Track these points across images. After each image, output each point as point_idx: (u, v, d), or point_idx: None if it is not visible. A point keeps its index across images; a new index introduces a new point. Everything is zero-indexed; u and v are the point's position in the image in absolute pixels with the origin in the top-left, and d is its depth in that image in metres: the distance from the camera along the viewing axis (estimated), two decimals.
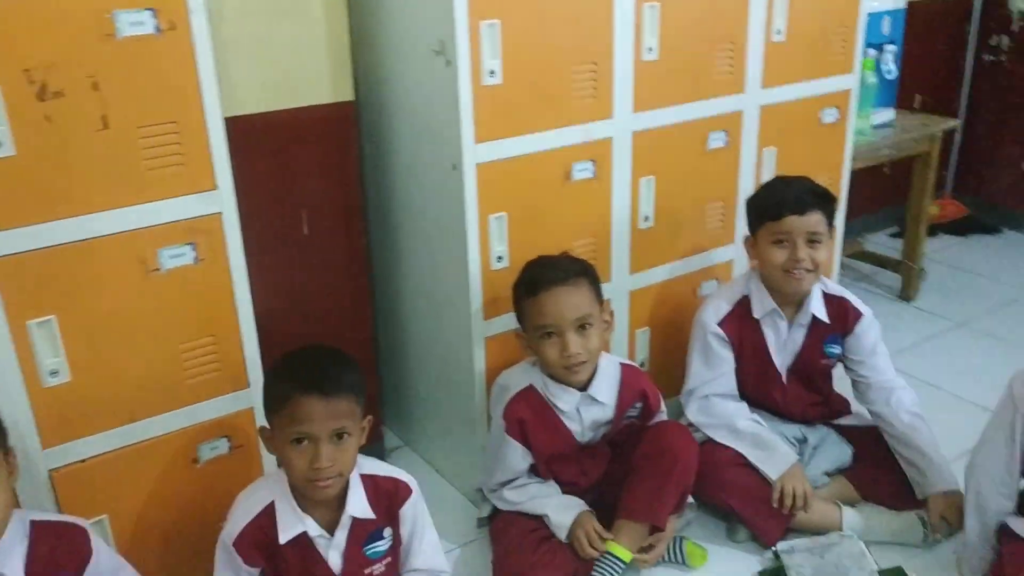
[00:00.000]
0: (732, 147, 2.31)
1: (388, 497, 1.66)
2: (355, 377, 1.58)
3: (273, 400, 1.55)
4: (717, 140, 2.28)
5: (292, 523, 1.57)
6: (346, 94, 2.08)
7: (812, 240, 2.02)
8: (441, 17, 1.79)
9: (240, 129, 1.84)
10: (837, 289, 2.19)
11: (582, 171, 2.05)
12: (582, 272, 1.91)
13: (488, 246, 1.97)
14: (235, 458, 1.80)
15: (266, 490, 1.60)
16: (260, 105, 1.96)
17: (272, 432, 1.56)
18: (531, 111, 1.93)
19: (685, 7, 2.09)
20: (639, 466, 1.95)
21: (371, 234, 2.31)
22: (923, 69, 3.70)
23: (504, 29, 1.83)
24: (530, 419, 1.93)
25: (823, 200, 2.04)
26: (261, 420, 1.67)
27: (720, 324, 2.13)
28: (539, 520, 1.94)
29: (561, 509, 1.93)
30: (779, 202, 2.03)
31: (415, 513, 1.71)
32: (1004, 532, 1.85)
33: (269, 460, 1.82)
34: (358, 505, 1.62)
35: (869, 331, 2.15)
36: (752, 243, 2.12)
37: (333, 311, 2.22)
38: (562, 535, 1.91)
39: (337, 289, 2.22)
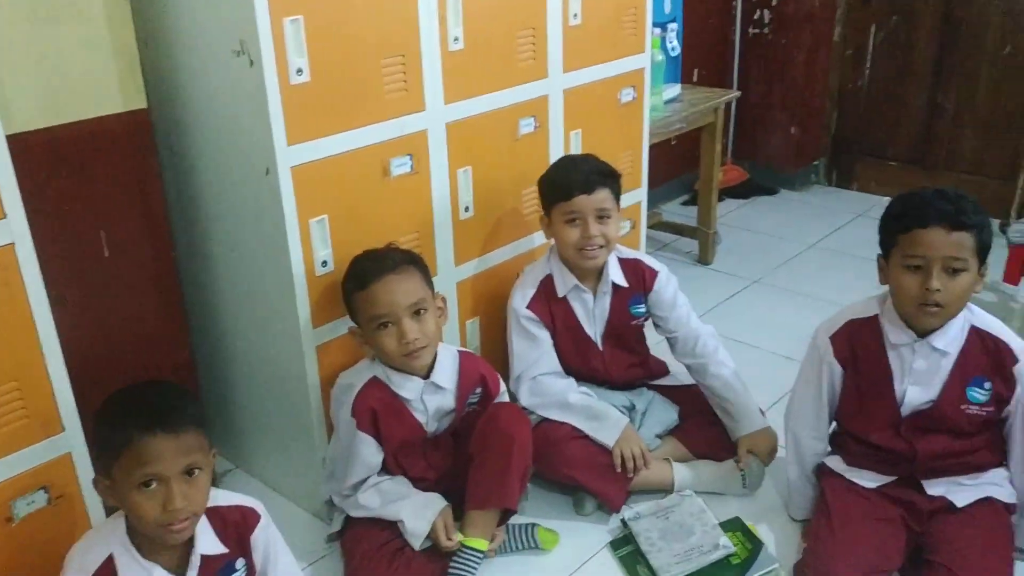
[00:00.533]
0: (541, 132, 2.35)
1: (237, 527, 1.57)
2: (197, 408, 1.47)
3: (110, 446, 1.40)
4: (527, 126, 2.30)
5: (137, 575, 1.45)
6: (138, 101, 1.93)
7: (601, 216, 2.10)
8: (240, 15, 1.69)
9: (23, 148, 1.66)
10: (630, 253, 2.30)
11: (400, 166, 2.02)
12: (410, 260, 1.91)
13: (311, 251, 1.90)
14: (56, 511, 1.64)
15: (101, 543, 1.46)
16: (43, 120, 1.79)
17: (112, 481, 1.42)
18: (343, 108, 1.87)
19: None
20: (478, 453, 1.96)
21: (179, 249, 2.17)
22: (699, 45, 3.92)
23: (308, 25, 1.75)
24: (379, 408, 1.90)
25: (609, 177, 2.13)
26: (83, 465, 1.53)
27: (529, 307, 2.19)
28: (392, 530, 1.91)
29: (417, 514, 1.91)
30: (568, 183, 2.10)
31: (267, 538, 1.63)
32: (822, 470, 2.02)
33: (96, 509, 1.67)
34: (207, 542, 1.51)
35: (667, 286, 2.26)
36: (547, 223, 2.18)
37: (146, 335, 2.08)
38: (416, 544, 1.89)
39: (148, 311, 2.07)
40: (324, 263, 1.93)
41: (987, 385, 1.81)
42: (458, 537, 1.90)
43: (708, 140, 3.35)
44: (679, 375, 2.38)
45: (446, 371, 1.97)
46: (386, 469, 1.98)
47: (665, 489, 2.16)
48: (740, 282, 3.37)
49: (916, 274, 1.74)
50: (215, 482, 1.56)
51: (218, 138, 1.91)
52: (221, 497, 1.60)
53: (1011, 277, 2.72)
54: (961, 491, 1.86)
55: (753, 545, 1.94)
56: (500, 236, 2.34)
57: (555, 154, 2.40)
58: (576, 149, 2.46)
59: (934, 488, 1.87)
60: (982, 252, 1.73)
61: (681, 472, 2.18)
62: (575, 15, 2.34)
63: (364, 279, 1.85)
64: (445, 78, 2.05)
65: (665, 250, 3.66)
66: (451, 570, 1.87)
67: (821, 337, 1.94)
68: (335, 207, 1.91)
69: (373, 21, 1.87)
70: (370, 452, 1.92)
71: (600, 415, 2.15)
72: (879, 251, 1.85)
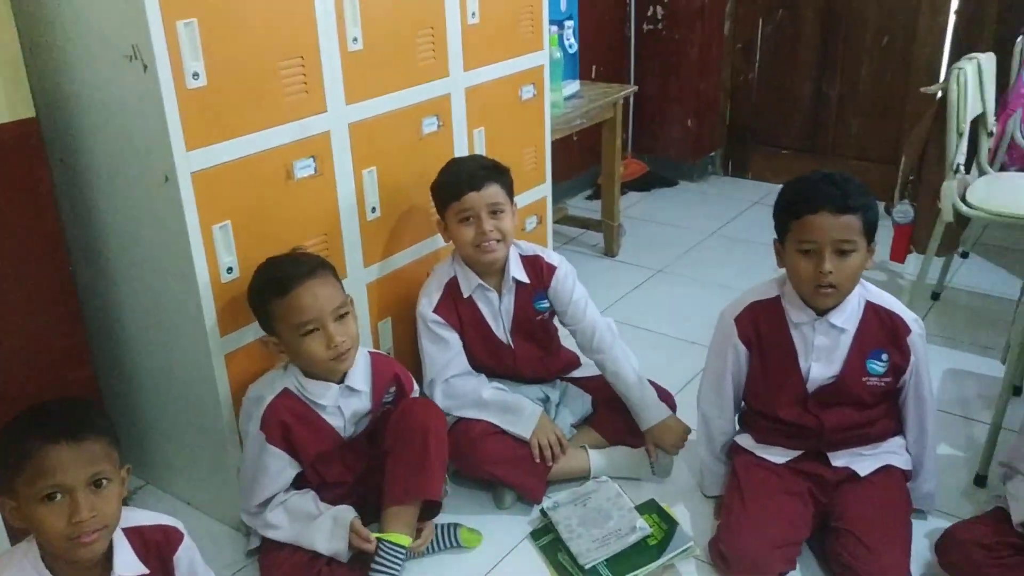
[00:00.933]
0: (445, 130, 2.36)
1: (158, 547, 1.53)
2: (104, 420, 1.43)
3: (11, 461, 1.35)
4: (431, 125, 2.31)
5: None
6: (25, 110, 1.86)
7: (494, 211, 2.12)
8: (131, 19, 1.65)
9: None
10: (530, 248, 2.31)
11: (304, 168, 2.00)
12: (323, 264, 1.90)
13: (215, 258, 1.87)
14: None
15: (12, 570, 1.40)
16: None
17: (16, 500, 1.37)
18: (243, 111, 1.84)
19: None
20: (393, 448, 1.95)
21: (76, 261, 2.10)
22: (596, 42, 3.99)
23: (203, 28, 1.72)
24: (292, 422, 1.88)
25: (496, 172, 2.15)
26: None
27: (436, 311, 2.19)
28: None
29: (331, 536, 1.88)
30: (456, 182, 2.12)
31: (190, 558, 1.60)
32: (733, 447, 2.09)
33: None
34: (127, 563, 1.47)
35: (564, 281, 2.28)
36: (443, 227, 2.19)
37: (43, 352, 2.00)
38: (343, 559, 1.88)
39: (44, 327, 1.99)
40: (229, 270, 1.90)
41: (884, 357, 1.91)
42: (375, 535, 1.89)
43: (608, 135, 3.41)
44: (591, 364, 2.42)
45: (360, 373, 1.96)
46: (300, 475, 1.96)
47: (582, 477, 2.20)
48: (645, 272, 3.45)
49: (809, 258, 1.82)
50: (126, 500, 1.52)
51: (113, 146, 1.86)
52: (141, 516, 1.57)
53: (897, 255, 2.86)
54: (863, 461, 1.96)
55: (668, 525, 2.00)
56: (408, 235, 2.35)
57: (459, 152, 2.41)
58: (480, 147, 2.48)
59: (838, 460, 1.96)
60: (869, 232, 1.83)
61: (597, 459, 2.23)
62: (473, 14, 2.36)
63: (284, 285, 1.82)
64: (346, 78, 2.05)
65: (572, 244, 3.72)
66: (373, 567, 1.86)
67: (726, 320, 2.01)
68: (239, 212, 1.89)
69: (270, 23, 1.85)
70: (280, 467, 1.90)
71: (514, 408, 2.17)
72: (775, 236, 1.93)
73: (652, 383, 2.28)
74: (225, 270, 1.89)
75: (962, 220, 2.73)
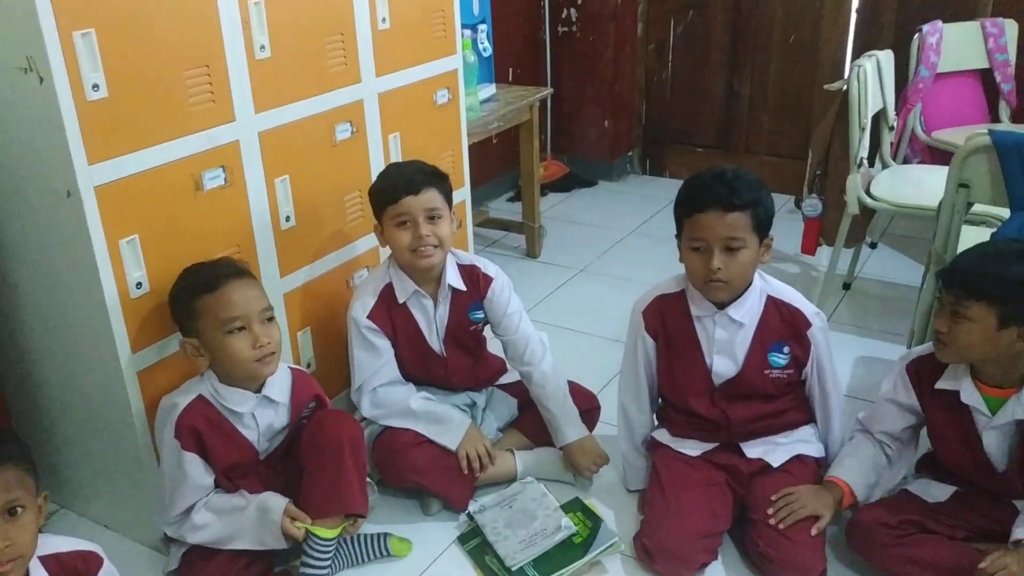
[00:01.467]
0: (359, 137, 2.35)
1: (77, 574, 1.49)
2: (18, 445, 1.39)
3: None
4: (344, 132, 2.29)
5: None
6: None
7: (432, 217, 2.10)
8: (25, 30, 1.60)
9: None
10: (468, 258, 2.31)
11: (213, 179, 1.96)
12: (247, 270, 1.89)
13: (124, 273, 1.82)
14: None
15: None
16: None
17: None
18: (148, 122, 1.80)
19: (290, 2, 2.07)
20: (309, 464, 1.92)
21: None
22: (511, 44, 4.01)
23: (102, 38, 1.68)
24: (204, 428, 1.84)
25: (435, 177, 2.14)
26: None
27: (370, 316, 2.17)
28: (231, 551, 1.86)
29: (256, 526, 1.85)
30: (394, 186, 2.10)
31: None
32: (652, 442, 2.13)
33: None
34: None
35: (501, 293, 2.28)
36: (380, 231, 2.18)
37: None
38: (278, 546, 1.86)
39: None
40: (139, 285, 1.85)
41: (786, 350, 1.96)
42: (306, 529, 1.86)
43: (526, 137, 3.43)
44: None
45: (279, 385, 1.94)
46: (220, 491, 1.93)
47: (510, 479, 2.21)
48: (567, 272, 3.48)
49: (700, 254, 1.87)
50: (41, 527, 1.47)
51: (13, 161, 1.80)
52: (58, 542, 1.53)
53: (808, 248, 2.94)
54: (776, 451, 2.01)
55: (593, 523, 2.02)
56: (326, 244, 2.32)
57: (375, 159, 2.40)
58: (396, 153, 2.47)
59: (752, 450, 2.01)
60: (761, 227, 1.86)
61: (524, 460, 2.24)
62: (383, 19, 2.35)
63: (214, 282, 1.80)
64: (254, 87, 2.02)
65: (494, 246, 3.73)
66: (302, 562, 1.86)
67: (635, 313, 2.05)
68: (146, 226, 1.84)
69: (173, 32, 1.82)
70: (199, 473, 1.86)
71: (442, 419, 2.17)
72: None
73: (574, 384, 2.31)
74: (134, 285, 1.85)
75: (868, 212, 2.83)
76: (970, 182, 2.02)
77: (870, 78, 2.69)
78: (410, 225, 2.10)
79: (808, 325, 1.96)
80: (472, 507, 2.12)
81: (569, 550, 1.96)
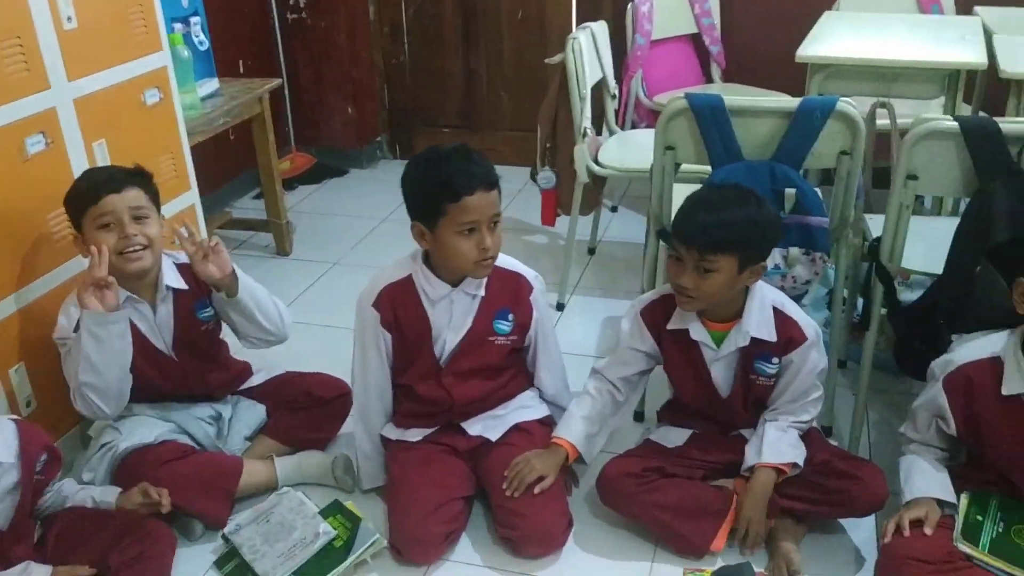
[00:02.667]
0: (56, 148, 2.15)
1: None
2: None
3: None
4: (36, 144, 2.09)
5: None
6: None
7: (138, 216, 1.98)
8: None
9: None
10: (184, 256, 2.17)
11: None
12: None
13: None
14: None
15: None
16: None
17: None
18: None
19: None
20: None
21: None
22: (237, 35, 3.83)
23: None
24: None
25: (138, 176, 2.03)
26: None
27: (77, 329, 1.99)
28: None
29: None
30: (94, 185, 1.98)
31: None
32: (383, 440, 2.13)
33: None
34: None
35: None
36: (82, 240, 2.01)
37: None
38: None
39: None
40: None
41: (510, 316, 2.01)
42: None
43: (259, 131, 3.29)
44: (261, 372, 2.34)
45: (3, 442, 1.72)
46: None
47: (271, 487, 2.13)
48: (320, 267, 3.39)
49: (471, 236, 1.86)
50: None
51: None
52: None
53: (547, 219, 3.03)
54: (496, 425, 2.06)
55: (353, 524, 1.98)
56: (35, 268, 2.12)
57: (78, 169, 2.20)
58: (103, 160, 2.28)
59: (473, 427, 2.06)
60: None
61: (283, 466, 2.16)
62: (68, 18, 2.15)
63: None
64: None
65: (243, 248, 3.57)
66: None
67: (364, 309, 2.01)
68: None
69: None
70: None
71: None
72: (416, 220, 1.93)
73: (322, 375, 2.28)
74: None
75: (599, 179, 2.94)
76: (675, 144, 2.13)
77: (585, 50, 2.79)
78: (115, 226, 1.95)
79: (530, 290, 2.02)
80: (228, 527, 2.01)
81: (330, 556, 1.91)
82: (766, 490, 1.89)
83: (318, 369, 2.33)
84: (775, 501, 1.92)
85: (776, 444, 1.92)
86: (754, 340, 1.92)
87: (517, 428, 2.07)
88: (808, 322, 1.96)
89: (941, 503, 1.84)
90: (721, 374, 1.97)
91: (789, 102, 2.04)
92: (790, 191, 2.04)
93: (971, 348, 1.86)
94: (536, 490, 1.93)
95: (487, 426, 2.06)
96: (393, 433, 2.10)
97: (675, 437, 2.07)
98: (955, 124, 1.87)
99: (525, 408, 2.11)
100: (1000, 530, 1.80)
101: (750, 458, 1.94)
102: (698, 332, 1.94)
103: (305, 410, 2.23)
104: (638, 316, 2.01)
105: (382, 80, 4.35)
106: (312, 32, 4.16)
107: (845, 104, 2.01)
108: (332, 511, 2.03)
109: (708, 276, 1.82)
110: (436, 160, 1.88)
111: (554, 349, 2.11)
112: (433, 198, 1.85)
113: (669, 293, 1.97)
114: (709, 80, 3.73)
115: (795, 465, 1.91)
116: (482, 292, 1.98)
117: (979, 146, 1.87)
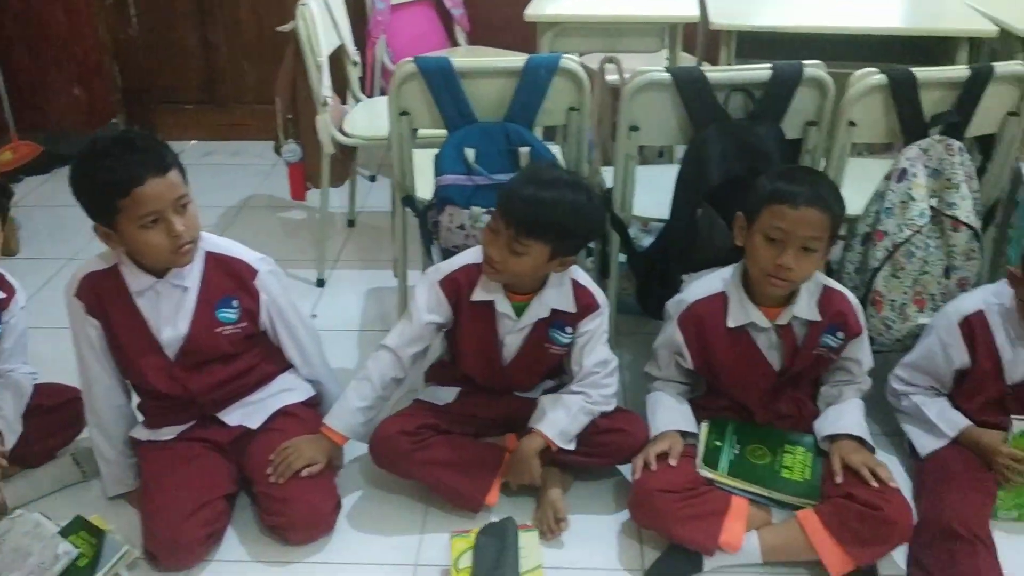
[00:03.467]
0: None
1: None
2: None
3: None
4: None
5: None
6: None
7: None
8: None
9: None
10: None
11: None
12: None
13: None
14: None
15: None
16: None
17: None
18: None
19: None
20: None
21: None
22: None
23: None
24: None
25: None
26: None
27: None
28: None
29: None
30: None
31: None
32: (132, 442, 2.00)
33: None
34: None
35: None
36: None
37: None
38: None
39: None
40: None
41: (235, 303, 1.91)
42: None
43: None
44: None
45: None
46: None
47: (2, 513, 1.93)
48: (52, 265, 3.10)
49: (158, 227, 1.73)
50: None
51: None
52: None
53: (297, 194, 2.92)
54: (256, 412, 1.98)
55: (98, 539, 1.84)
56: None
57: None
58: None
59: (231, 417, 1.96)
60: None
61: (19, 487, 2.00)
62: None
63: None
64: None
65: None
66: None
67: (68, 299, 1.87)
68: None
69: None
70: None
71: None
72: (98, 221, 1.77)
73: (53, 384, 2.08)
74: None
75: (348, 149, 2.87)
76: (409, 109, 2.11)
77: (318, 16, 2.69)
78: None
79: (253, 273, 1.93)
80: None
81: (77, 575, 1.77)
82: (531, 453, 1.91)
83: (56, 376, 2.14)
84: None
85: (556, 420, 1.92)
86: (554, 311, 1.94)
87: (283, 413, 2.00)
88: (598, 289, 2.00)
89: (685, 434, 1.96)
90: (514, 344, 1.98)
91: (515, 61, 2.06)
92: (524, 150, 2.07)
93: (699, 286, 1.98)
94: (304, 473, 1.87)
95: (247, 414, 1.97)
96: (144, 434, 1.96)
97: (444, 395, 2.06)
98: (668, 75, 1.96)
99: (287, 391, 2.04)
100: (737, 452, 1.95)
101: (532, 419, 1.95)
102: (502, 304, 1.93)
103: (33, 420, 2.04)
104: (436, 286, 1.95)
105: (111, 58, 4.02)
106: (26, 10, 3.77)
107: (568, 60, 2.06)
108: (74, 528, 1.86)
109: (517, 257, 1.81)
110: (95, 156, 1.71)
111: (300, 329, 2.03)
112: (102, 197, 1.71)
113: (469, 264, 1.94)
114: (455, 43, 3.73)
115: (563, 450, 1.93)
116: (190, 283, 1.86)
117: (690, 95, 1.97)
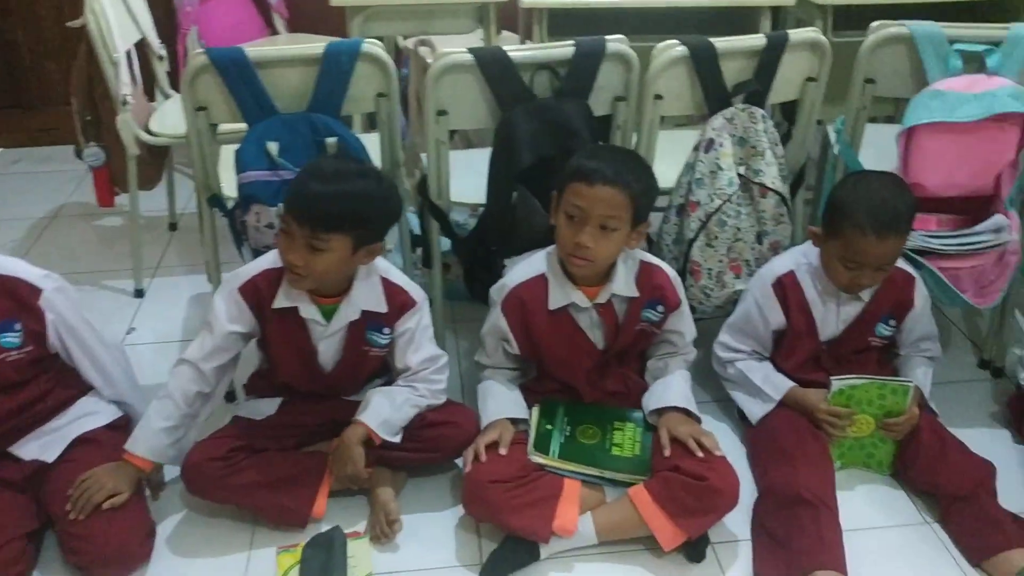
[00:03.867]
0: None
1: None
2: None
3: None
4: None
5: None
6: None
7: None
8: None
9: None
10: None
11: None
12: None
13: None
14: None
15: None
16: None
17: None
18: None
19: None
20: None
21: None
22: None
23: None
24: None
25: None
26: None
27: None
28: None
29: None
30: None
31: None
32: None
33: None
34: None
35: None
36: None
37: None
38: None
39: None
40: None
41: (16, 327, 1.77)
42: None
43: None
44: None
45: None
46: None
47: None
48: None
49: None
50: None
51: None
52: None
53: (104, 200, 2.73)
54: (53, 441, 1.83)
55: None
56: None
57: None
58: None
59: (25, 451, 1.81)
60: None
61: None
62: None
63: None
64: None
65: None
66: None
67: None
68: None
69: None
70: None
71: None
72: None
73: None
74: None
75: (158, 149, 2.70)
76: (207, 103, 1.98)
77: (109, 9, 2.51)
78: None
79: (36, 293, 1.78)
80: None
81: None
82: (352, 442, 1.83)
83: None
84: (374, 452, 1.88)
85: (378, 411, 1.85)
86: (365, 312, 1.86)
87: (83, 441, 1.85)
88: (413, 286, 1.93)
89: (516, 421, 1.93)
90: (330, 349, 1.89)
91: (314, 48, 1.96)
92: (331, 140, 1.98)
93: (520, 270, 1.95)
94: (106, 505, 1.72)
95: (42, 445, 1.82)
96: None
97: (265, 407, 1.96)
98: (470, 57, 1.91)
99: (88, 416, 1.89)
100: (568, 434, 1.93)
101: (357, 412, 1.86)
102: (308, 310, 1.84)
103: None
104: (236, 293, 1.84)
105: None
106: None
107: (370, 45, 1.98)
108: None
109: (319, 255, 1.71)
110: None
111: (97, 348, 1.88)
112: None
113: (270, 268, 1.83)
114: (275, 32, 3.57)
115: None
116: None
117: (494, 76, 1.93)
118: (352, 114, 2.15)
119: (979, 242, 2.06)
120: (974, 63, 2.01)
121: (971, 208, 2.11)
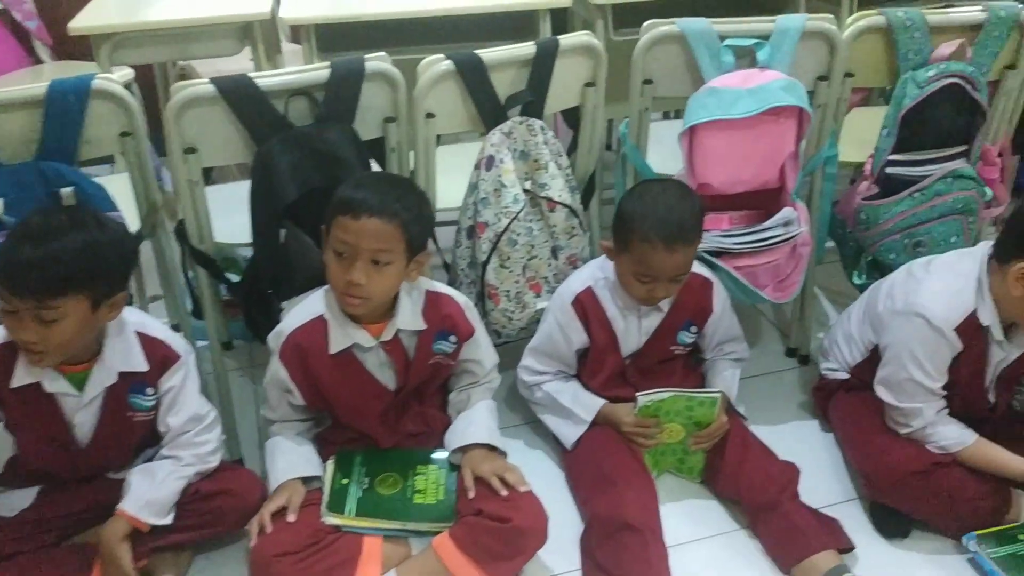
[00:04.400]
0: None
1: None
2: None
3: None
4: None
5: None
6: None
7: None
8: None
9: None
10: None
11: None
12: None
13: None
14: None
15: None
16: None
17: None
18: None
19: None
20: None
21: None
22: None
23: None
24: None
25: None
26: None
27: None
28: None
29: None
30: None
31: None
32: None
33: None
34: None
35: None
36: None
37: None
38: None
39: None
40: None
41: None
42: None
43: None
44: None
45: None
46: None
47: None
48: None
49: None
50: None
51: None
52: None
53: None
54: None
55: None
56: None
57: None
58: None
59: None
60: None
61: None
62: None
63: None
64: None
65: None
66: None
67: None
68: None
69: None
70: None
71: None
72: None
73: None
74: None
75: None
76: None
77: None
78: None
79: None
80: None
81: None
82: (114, 542, 1.62)
83: None
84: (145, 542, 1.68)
85: (139, 493, 1.65)
86: (123, 374, 1.65)
87: None
88: (175, 337, 1.74)
89: (309, 479, 1.77)
90: (88, 422, 1.67)
91: (34, 90, 1.72)
92: (67, 190, 1.76)
93: (297, 313, 1.80)
94: None
95: None
96: None
97: (19, 500, 1.74)
98: (212, 87, 1.73)
99: None
100: (366, 487, 1.79)
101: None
102: (54, 384, 1.61)
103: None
104: None
105: None
106: None
107: (104, 81, 1.77)
108: None
109: (53, 326, 1.48)
110: None
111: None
112: None
113: (1, 343, 1.60)
114: (38, 61, 3.25)
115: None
116: None
117: (242, 106, 1.75)
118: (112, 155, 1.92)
119: (771, 237, 2.04)
120: (746, 58, 1.98)
121: (761, 203, 2.09)
